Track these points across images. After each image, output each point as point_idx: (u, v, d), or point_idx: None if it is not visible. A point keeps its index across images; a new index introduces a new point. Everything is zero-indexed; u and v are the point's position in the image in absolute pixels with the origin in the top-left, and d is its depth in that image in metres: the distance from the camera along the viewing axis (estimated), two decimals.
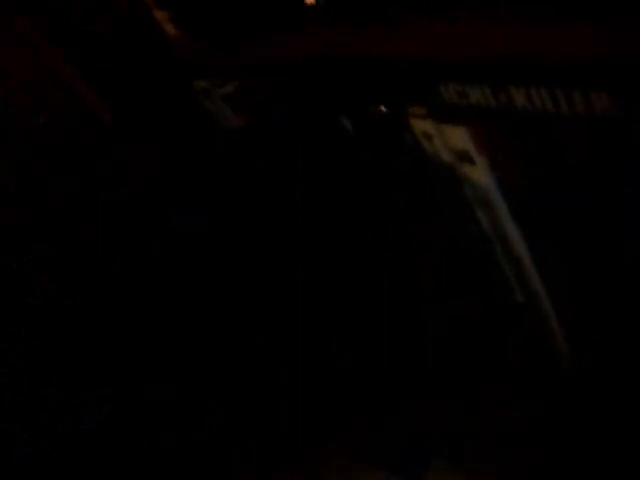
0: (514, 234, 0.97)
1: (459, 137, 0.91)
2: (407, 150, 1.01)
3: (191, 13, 1.24)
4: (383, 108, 1.05)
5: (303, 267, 1.35)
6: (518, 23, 0.71)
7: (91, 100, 1.30)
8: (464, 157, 0.92)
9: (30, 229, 1.25)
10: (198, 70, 1.37)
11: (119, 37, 1.32)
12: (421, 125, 0.96)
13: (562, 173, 0.78)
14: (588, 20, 0.67)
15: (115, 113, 1.34)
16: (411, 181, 1.05)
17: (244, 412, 1.44)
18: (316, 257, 1.33)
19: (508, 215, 0.95)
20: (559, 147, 0.76)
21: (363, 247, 1.27)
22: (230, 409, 1.44)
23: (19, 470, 1.27)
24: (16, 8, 1.17)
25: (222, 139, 1.35)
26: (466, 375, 1.26)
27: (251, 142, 1.28)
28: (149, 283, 1.37)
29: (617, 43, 0.65)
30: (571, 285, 0.94)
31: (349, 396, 1.38)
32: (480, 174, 0.93)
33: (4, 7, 1.16)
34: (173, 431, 1.42)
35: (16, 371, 1.26)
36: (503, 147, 0.86)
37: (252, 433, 1.41)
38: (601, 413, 1.08)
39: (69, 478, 1.34)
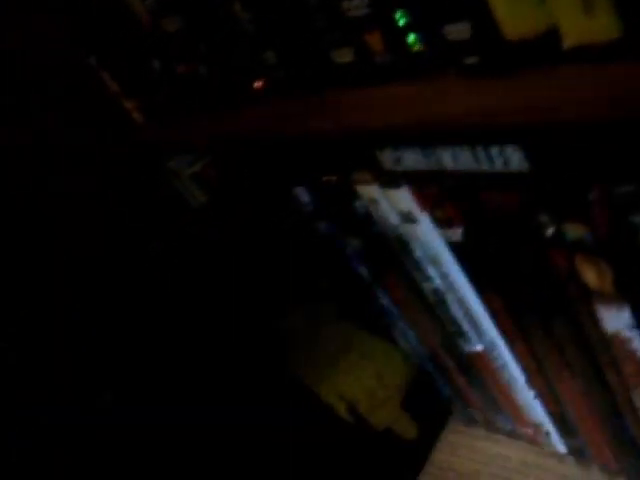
0: (465, 287, 1.00)
1: (401, 199, 0.95)
2: (358, 216, 1.06)
3: (154, 99, 1.30)
4: (332, 177, 1.09)
5: None
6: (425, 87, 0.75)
7: None
8: (408, 218, 0.96)
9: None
10: (165, 151, 1.43)
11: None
12: (367, 191, 1.00)
13: (488, 226, 0.82)
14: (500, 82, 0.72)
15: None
16: (364, 247, 1.09)
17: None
18: None
19: (457, 269, 0.99)
20: (485, 202, 0.80)
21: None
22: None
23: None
24: None
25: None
26: None
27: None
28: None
29: (529, 103, 0.69)
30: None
31: None
32: (426, 232, 0.97)
33: None
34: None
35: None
36: (441, 205, 0.90)
37: None
38: None
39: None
